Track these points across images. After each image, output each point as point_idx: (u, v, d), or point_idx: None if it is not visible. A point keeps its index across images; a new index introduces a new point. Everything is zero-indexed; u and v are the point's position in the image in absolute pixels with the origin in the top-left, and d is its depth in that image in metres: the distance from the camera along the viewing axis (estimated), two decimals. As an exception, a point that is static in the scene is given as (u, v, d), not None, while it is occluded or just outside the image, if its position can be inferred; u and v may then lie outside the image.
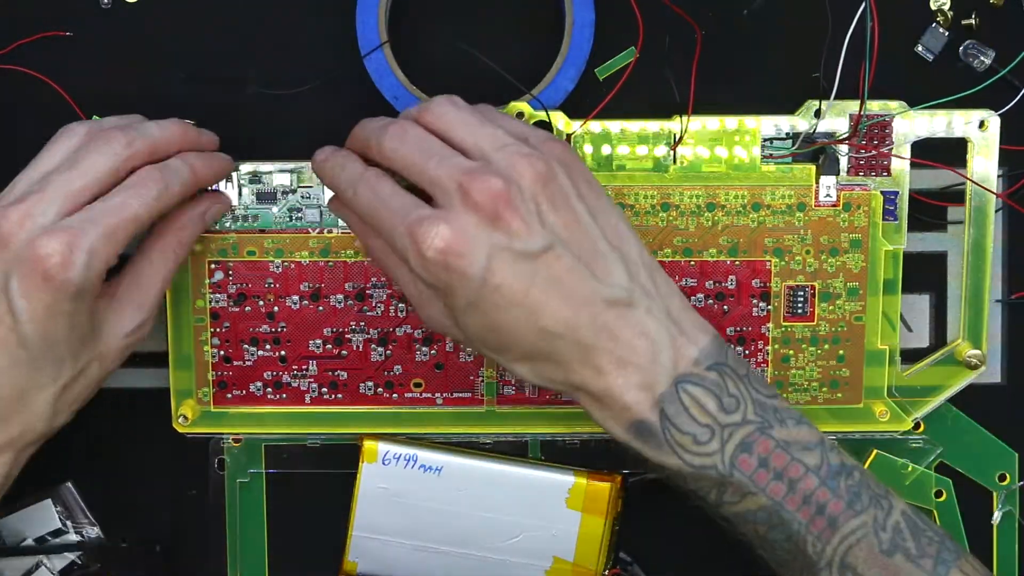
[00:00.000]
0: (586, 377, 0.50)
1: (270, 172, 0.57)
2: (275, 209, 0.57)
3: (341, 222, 0.57)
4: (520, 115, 0.57)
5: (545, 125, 0.57)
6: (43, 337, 0.50)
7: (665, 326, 0.50)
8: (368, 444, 0.59)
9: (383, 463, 0.59)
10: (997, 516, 0.61)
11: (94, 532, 0.61)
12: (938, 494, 0.60)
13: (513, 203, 0.48)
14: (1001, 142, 0.57)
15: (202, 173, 0.55)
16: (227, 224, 0.57)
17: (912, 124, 0.57)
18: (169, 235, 0.55)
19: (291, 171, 0.57)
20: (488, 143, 0.50)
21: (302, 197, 0.57)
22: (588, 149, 0.57)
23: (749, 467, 0.50)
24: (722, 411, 0.50)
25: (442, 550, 0.59)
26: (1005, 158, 0.58)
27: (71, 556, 0.61)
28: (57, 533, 0.61)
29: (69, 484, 0.61)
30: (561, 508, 0.59)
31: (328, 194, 0.57)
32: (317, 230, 0.57)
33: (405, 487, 0.59)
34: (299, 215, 0.57)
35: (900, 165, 0.57)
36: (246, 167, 0.57)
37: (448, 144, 0.51)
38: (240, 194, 0.57)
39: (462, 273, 0.48)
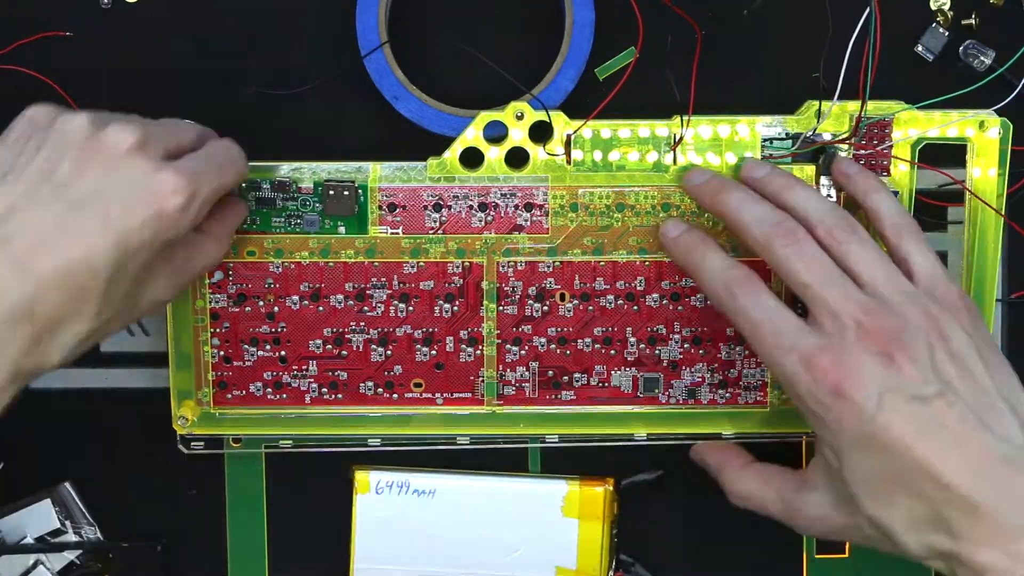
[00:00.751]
0: (972, 547, 0.47)
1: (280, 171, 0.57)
2: (275, 218, 0.57)
3: (342, 228, 0.57)
4: (520, 116, 0.57)
5: (545, 125, 0.57)
6: (117, 269, 0.47)
7: None
8: (360, 475, 0.59)
9: (376, 492, 0.59)
10: None
11: (93, 533, 0.61)
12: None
13: (908, 346, 0.48)
14: (1002, 143, 0.57)
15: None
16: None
17: (912, 124, 0.57)
18: (227, 213, 0.54)
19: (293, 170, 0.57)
20: (889, 289, 0.50)
21: (302, 204, 0.57)
22: (589, 150, 0.57)
23: None
24: None
25: (445, 573, 0.59)
26: (1005, 158, 0.58)
27: (70, 556, 0.61)
28: (56, 533, 0.61)
29: (68, 484, 0.61)
30: (558, 517, 0.59)
31: (328, 204, 0.57)
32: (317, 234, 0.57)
33: (401, 514, 0.59)
34: (299, 222, 0.57)
35: (903, 166, 0.57)
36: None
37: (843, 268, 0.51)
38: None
39: (853, 404, 0.48)
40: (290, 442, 0.59)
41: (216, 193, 0.51)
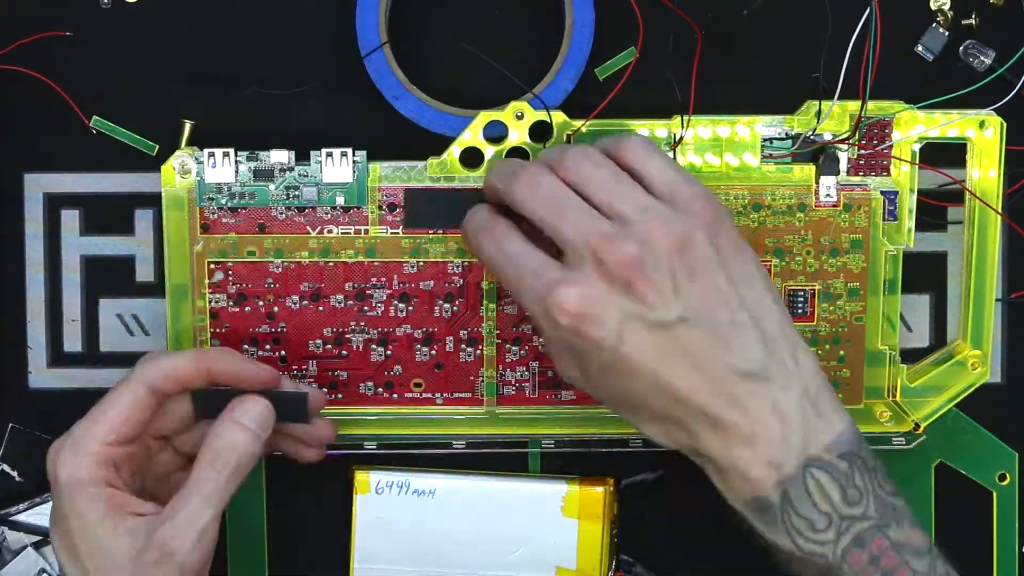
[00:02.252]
0: (713, 447, 0.49)
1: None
2: (272, 187, 0.57)
3: (340, 198, 0.57)
4: (520, 116, 0.57)
5: (545, 125, 0.57)
6: (86, 547, 0.51)
7: (800, 406, 0.49)
8: (360, 475, 0.59)
9: (376, 492, 0.59)
10: None
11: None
12: (1002, 477, 0.61)
13: (647, 271, 0.48)
14: (1003, 143, 0.57)
15: (221, 367, 0.54)
16: (223, 201, 0.57)
17: (912, 124, 0.57)
18: (207, 453, 0.53)
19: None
20: (627, 205, 0.49)
21: (299, 175, 0.57)
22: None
23: (859, 563, 0.49)
24: (844, 502, 0.49)
25: (445, 573, 0.59)
26: (1006, 158, 0.58)
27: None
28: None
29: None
30: (558, 517, 0.59)
31: (326, 173, 0.56)
32: (312, 214, 0.57)
33: (401, 514, 0.59)
34: (296, 193, 0.57)
35: (903, 166, 0.57)
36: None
37: (584, 198, 0.50)
38: (237, 171, 0.57)
39: (593, 340, 0.48)
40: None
41: None
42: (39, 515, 0.60)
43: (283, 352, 0.58)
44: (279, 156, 0.56)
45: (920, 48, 0.59)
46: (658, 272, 0.48)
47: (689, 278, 0.49)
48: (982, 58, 0.59)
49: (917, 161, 0.57)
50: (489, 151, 0.57)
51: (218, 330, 0.58)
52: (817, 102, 0.57)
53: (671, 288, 0.48)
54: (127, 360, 0.60)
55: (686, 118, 0.57)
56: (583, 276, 0.48)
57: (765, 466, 0.49)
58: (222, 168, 0.56)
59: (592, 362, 0.49)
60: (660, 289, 0.48)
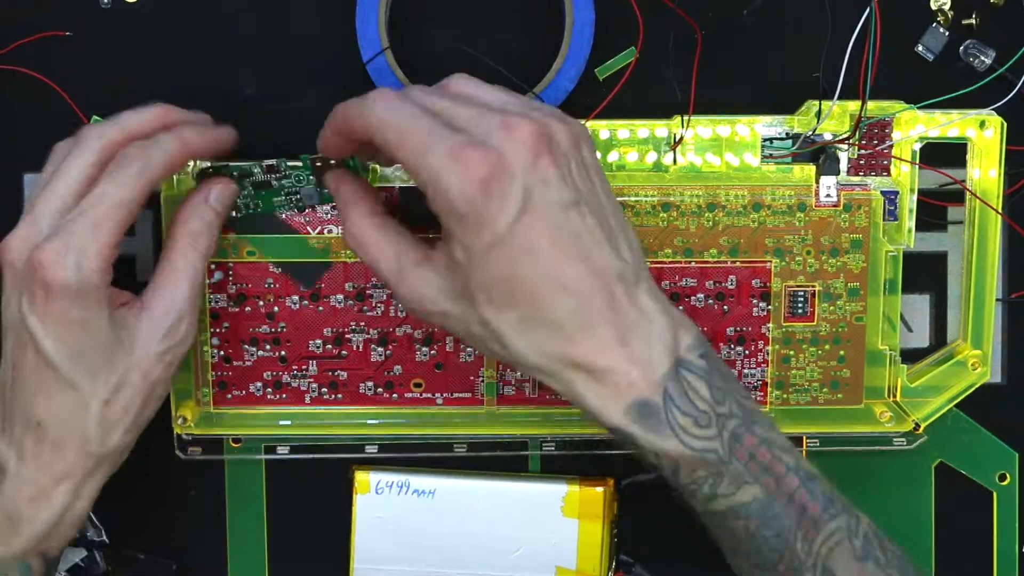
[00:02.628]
0: (588, 350, 0.48)
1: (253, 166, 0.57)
2: (274, 199, 0.57)
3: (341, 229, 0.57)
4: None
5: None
6: (65, 351, 0.51)
7: (663, 309, 0.49)
8: (360, 476, 0.59)
9: (376, 492, 0.59)
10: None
11: (97, 535, 0.61)
12: (1002, 477, 0.61)
13: (552, 149, 0.48)
14: (1003, 143, 0.57)
15: (194, 142, 0.54)
16: (232, 213, 0.57)
17: (912, 124, 0.57)
18: (178, 230, 0.54)
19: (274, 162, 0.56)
20: (519, 105, 0.50)
21: (296, 180, 0.57)
22: (588, 149, 0.57)
23: (743, 457, 0.49)
24: (714, 400, 0.49)
25: (445, 573, 0.59)
26: (1006, 158, 0.58)
27: (74, 558, 0.61)
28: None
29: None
30: (557, 517, 0.59)
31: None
32: (312, 214, 0.57)
33: (401, 514, 0.59)
34: (297, 197, 0.57)
35: (903, 166, 0.57)
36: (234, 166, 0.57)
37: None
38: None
39: (500, 200, 0.47)
40: (287, 447, 0.59)
41: (99, 222, 0.51)
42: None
43: (283, 352, 0.58)
44: (272, 168, 0.56)
45: (920, 48, 0.59)
46: (560, 153, 0.48)
47: (579, 172, 0.49)
48: (982, 58, 0.59)
49: (917, 161, 0.57)
50: (489, 151, 0.57)
51: (218, 330, 0.58)
52: (817, 102, 0.57)
53: (571, 172, 0.48)
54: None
55: (686, 118, 0.57)
56: (495, 142, 0.48)
57: (644, 365, 0.48)
58: (228, 181, 0.56)
59: (486, 234, 0.47)
60: (561, 169, 0.48)
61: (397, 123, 0.49)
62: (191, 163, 0.56)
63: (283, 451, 0.60)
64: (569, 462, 0.60)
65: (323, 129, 0.53)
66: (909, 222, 0.58)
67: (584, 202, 0.48)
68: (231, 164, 0.56)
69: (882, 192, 0.57)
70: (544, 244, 0.47)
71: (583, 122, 0.56)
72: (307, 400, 0.59)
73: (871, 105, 0.57)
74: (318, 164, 0.55)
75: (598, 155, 0.51)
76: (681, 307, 0.58)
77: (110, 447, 0.52)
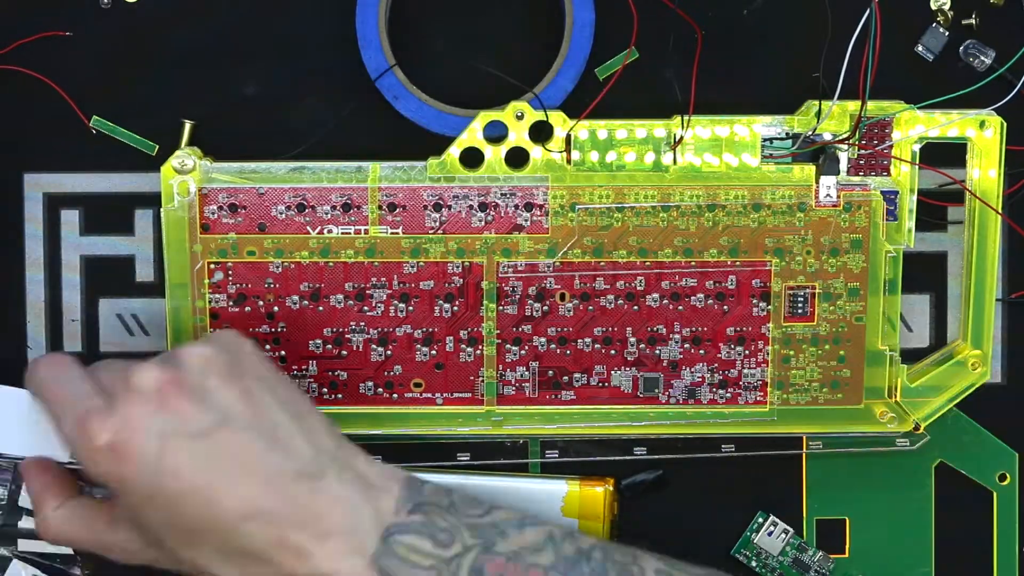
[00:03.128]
0: (292, 564, 0.47)
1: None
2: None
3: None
4: (520, 116, 0.57)
5: (545, 125, 0.57)
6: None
7: (357, 487, 0.48)
8: None
9: None
10: None
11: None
12: (1002, 477, 0.61)
13: (180, 384, 0.47)
14: (1003, 143, 0.57)
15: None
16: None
17: (912, 124, 0.57)
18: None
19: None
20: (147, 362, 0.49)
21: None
22: (587, 150, 0.57)
23: None
24: (440, 547, 0.47)
25: None
26: (1006, 158, 0.58)
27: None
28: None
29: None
30: (557, 517, 0.59)
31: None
32: (312, 214, 0.57)
33: None
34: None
35: (903, 166, 0.57)
36: (233, 165, 0.57)
37: None
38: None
39: (134, 461, 0.47)
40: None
41: None
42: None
43: (283, 352, 0.58)
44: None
45: (920, 48, 0.59)
46: (191, 384, 0.48)
47: (224, 384, 0.48)
48: (982, 58, 0.59)
49: (917, 161, 0.57)
50: (489, 151, 0.57)
51: (218, 330, 0.58)
52: (817, 102, 0.57)
53: (206, 397, 0.48)
54: (128, 357, 0.60)
55: (686, 118, 0.57)
56: (118, 402, 0.47)
57: (350, 556, 0.47)
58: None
59: (136, 492, 0.47)
60: (194, 399, 0.47)
61: (41, 387, 0.50)
62: (191, 182, 0.56)
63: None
64: (569, 462, 0.60)
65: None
66: (909, 222, 0.57)
67: (231, 419, 0.48)
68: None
69: (882, 192, 0.57)
70: (197, 479, 0.47)
71: (578, 121, 0.56)
72: (307, 400, 0.59)
73: (871, 105, 0.57)
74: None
75: (252, 349, 0.51)
76: (682, 307, 0.58)
77: None
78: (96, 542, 0.52)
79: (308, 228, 0.58)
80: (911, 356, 0.60)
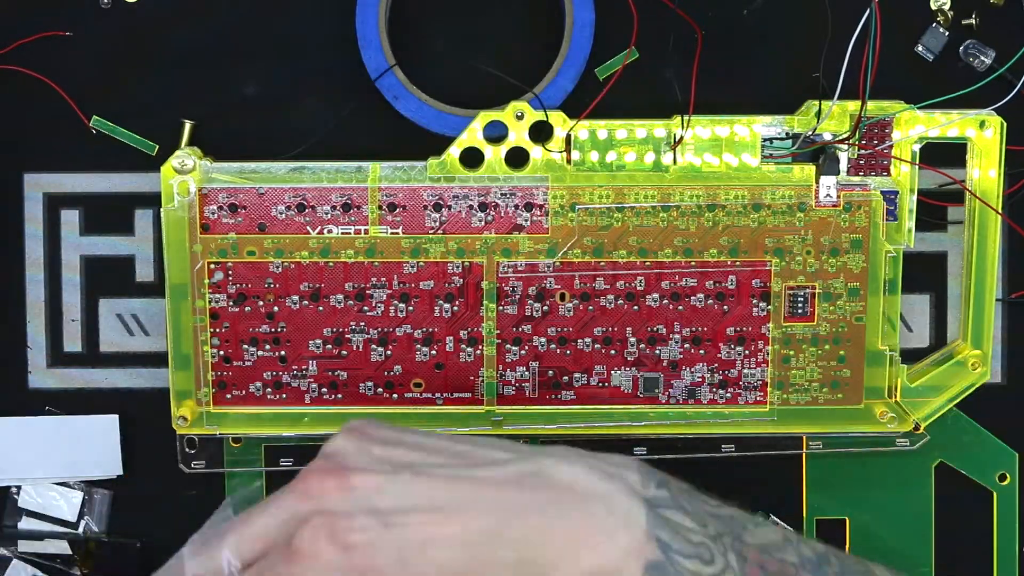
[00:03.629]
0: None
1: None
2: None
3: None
4: (520, 116, 0.57)
5: (545, 125, 0.57)
6: None
7: (585, 465, 0.46)
8: None
9: None
10: None
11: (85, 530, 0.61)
12: (1002, 477, 0.61)
13: (325, 529, 0.45)
14: (1003, 143, 0.57)
15: None
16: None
17: (912, 124, 0.57)
18: None
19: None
20: None
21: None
22: (587, 150, 0.57)
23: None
24: (700, 526, 0.45)
25: None
26: (1006, 158, 0.58)
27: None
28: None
29: (68, 485, 0.61)
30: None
31: None
32: (312, 214, 0.57)
33: None
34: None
35: (903, 166, 0.57)
36: (233, 165, 0.57)
37: None
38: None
39: None
40: (290, 442, 0.59)
41: None
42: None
43: (283, 352, 0.58)
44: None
45: (920, 48, 0.59)
46: (336, 526, 0.45)
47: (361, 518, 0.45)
48: (982, 58, 0.59)
49: (917, 161, 0.57)
50: (489, 151, 0.57)
51: (218, 330, 0.58)
52: (817, 102, 0.57)
53: (349, 534, 0.45)
54: (127, 360, 0.60)
55: (686, 118, 0.57)
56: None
57: (624, 527, 0.44)
58: None
59: None
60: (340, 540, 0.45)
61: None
62: (191, 182, 0.56)
63: (286, 463, 0.60)
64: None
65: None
66: (909, 222, 0.57)
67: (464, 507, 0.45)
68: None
69: (882, 192, 0.57)
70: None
71: (578, 121, 0.57)
72: (307, 400, 0.59)
73: (871, 105, 0.57)
74: None
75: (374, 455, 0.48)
76: (681, 307, 0.58)
77: None
78: None
79: (308, 228, 0.58)
80: (911, 356, 0.60)
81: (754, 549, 0.46)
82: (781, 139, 0.57)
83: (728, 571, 0.45)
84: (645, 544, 0.44)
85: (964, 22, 0.59)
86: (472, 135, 0.57)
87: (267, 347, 0.58)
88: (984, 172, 0.57)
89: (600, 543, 0.44)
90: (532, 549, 0.44)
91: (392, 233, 0.57)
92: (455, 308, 0.58)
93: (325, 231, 0.57)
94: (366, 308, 0.58)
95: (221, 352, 0.58)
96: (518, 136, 0.57)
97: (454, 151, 0.57)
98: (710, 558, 0.45)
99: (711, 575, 0.44)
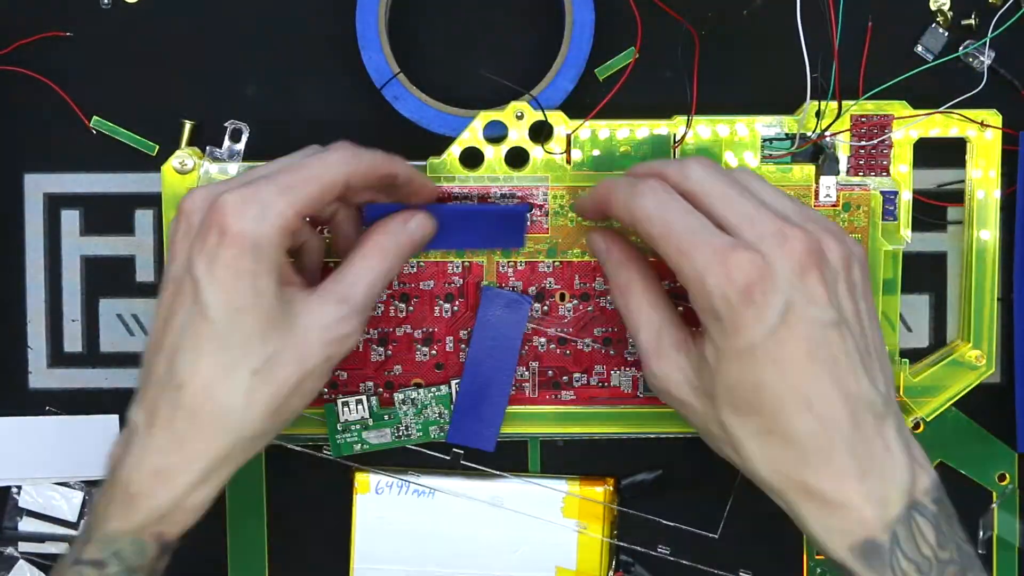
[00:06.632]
0: (824, 478, 0.47)
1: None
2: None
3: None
4: (520, 116, 0.57)
5: (545, 124, 0.57)
6: (225, 303, 0.47)
7: (905, 447, 0.48)
8: (360, 475, 0.59)
9: (376, 492, 0.59)
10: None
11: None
12: (1001, 477, 0.61)
13: (822, 266, 0.47)
14: (1002, 142, 0.57)
15: (403, 170, 0.52)
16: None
17: (912, 124, 0.57)
18: (377, 235, 0.52)
19: None
20: (797, 214, 0.49)
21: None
22: (588, 150, 0.57)
23: None
24: (939, 547, 0.47)
25: (445, 573, 0.59)
26: (1006, 158, 0.58)
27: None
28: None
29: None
30: (558, 517, 0.59)
31: None
32: (317, 229, 0.57)
33: (401, 514, 0.59)
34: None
35: (902, 166, 0.57)
36: (235, 167, 0.57)
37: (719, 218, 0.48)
38: None
39: (760, 309, 0.46)
40: (290, 442, 0.59)
41: (291, 185, 0.48)
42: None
43: (283, 352, 0.58)
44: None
45: (920, 48, 0.59)
46: (828, 271, 0.48)
47: (848, 294, 0.48)
48: (982, 58, 0.59)
49: (916, 161, 0.57)
50: (489, 151, 0.57)
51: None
52: (817, 102, 0.57)
53: (837, 292, 0.48)
54: (127, 360, 0.60)
55: (689, 118, 0.57)
56: (764, 247, 0.47)
57: (879, 505, 0.47)
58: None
59: (741, 339, 0.47)
60: (828, 288, 0.47)
61: (664, 220, 0.48)
62: (201, 159, 0.56)
63: (295, 447, 0.60)
64: (569, 461, 0.60)
65: (585, 197, 0.53)
66: (908, 222, 0.58)
67: (846, 325, 0.48)
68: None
69: (881, 192, 0.57)
70: (796, 359, 0.47)
71: (583, 123, 0.57)
72: (307, 400, 0.59)
73: (871, 105, 0.57)
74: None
75: (867, 269, 0.50)
76: (681, 307, 0.58)
77: (248, 428, 0.48)
78: (655, 342, 0.51)
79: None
80: (911, 356, 0.60)
81: None
82: (781, 139, 0.57)
83: None
84: (885, 526, 0.47)
85: (964, 22, 0.59)
86: (472, 135, 0.57)
87: (267, 347, 0.58)
88: (984, 172, 0.57)
89: (859, 493, 0.47)
90: None
91: (392, 233, 0.57)
92: (455, 308, 0.58)
93: (325, 231, 0.57)
94: (366, 308, 0.58)
95: (221, 352, 0.58)
96: (518, 136, 0.57)
97: (454, 151, 0.57)
98: (927, 571, 0.47)
99: None
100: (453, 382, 0.58)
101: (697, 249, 0.47)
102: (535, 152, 0.57)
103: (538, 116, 0.57)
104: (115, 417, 0.60)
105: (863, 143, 0.57)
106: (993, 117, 0.57)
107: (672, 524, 0.61)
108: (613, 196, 0.51)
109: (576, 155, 0.57)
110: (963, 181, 0.58)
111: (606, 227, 0.56)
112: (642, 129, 0.57)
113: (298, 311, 0.49)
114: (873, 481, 0.47)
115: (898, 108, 0.57)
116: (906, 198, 0.57)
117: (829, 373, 0.47)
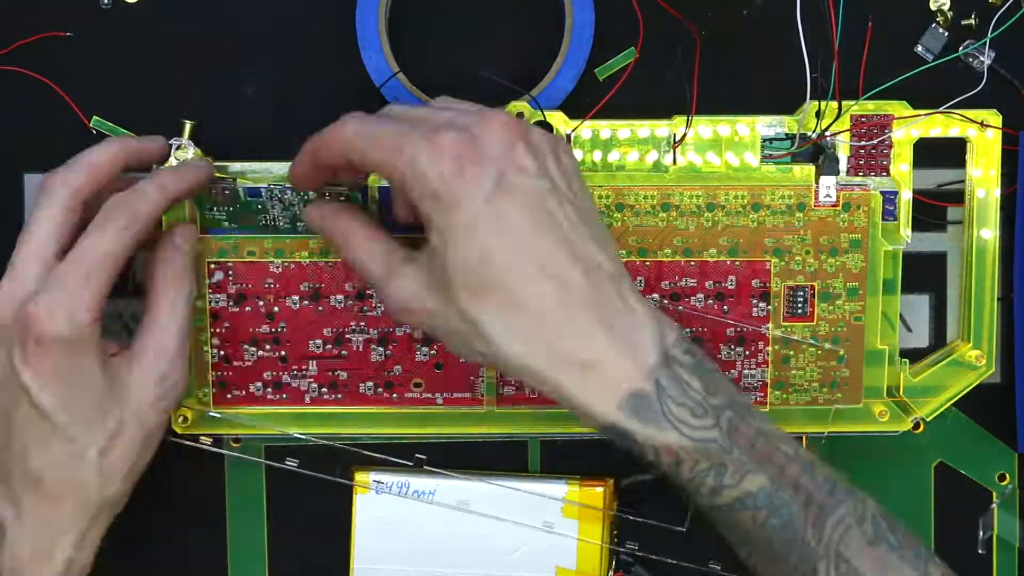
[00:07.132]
0: (574, 341, 0.48)
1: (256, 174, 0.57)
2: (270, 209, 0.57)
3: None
4: (520, 115, 0.57)
5: (544, 125, 0.57)
6: (60, 402, 0.51)
7: (645, 304, 0.49)
8: (360, 476, 0.59)
9: (376, 493, 0.59)
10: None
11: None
12: (1001, 477, 0.61)
13: (529, 139, 0.49)
14: (1002, 142, 0.57)
15: (174, 186, 0.54)
16: (225, 223, 0.57)
17: (912, 124, 0.57)
18: (156, 278, 0.54)
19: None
20: (497, 110, 0.50)
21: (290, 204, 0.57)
22: (589, 150, 0.57)
23: (744, 445, 0.48)
24: (706, 392, 0.48)
25: (444, 573, 0.59)
26: (1006, 158, 0.58)
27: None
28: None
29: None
30: (557, 517, 0.59)
31: None
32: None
33: (401, 514, 0.59)
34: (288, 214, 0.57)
35: (902, 166, 0.57)
36: (236, 166, 0.57)
37: None
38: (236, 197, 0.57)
39: (473, 180, 0.47)
40: (290, 442, 0.59)
41: (88, 274, 0.51)
42: None
43: (283, 352, 0.58)
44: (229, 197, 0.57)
45: (920, 48, 0.59)
46: (535, 143, 0.49)
47: (561, 173, 0.49)
48: (982, 58, 0.59)
49: (916, 161, 0.57)
50: (489, 151, 0.57)
51: (218, 330, 0.58)
52: (817, 102, 0.57)
53: (547, 167, 0.49)
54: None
55: (688, 118, 0.57)
56: (471, 127, 0.48)
57: (634, 355, 0.48)
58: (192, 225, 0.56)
59: (460, 215, 0.47)
60: (539, 161, 0.48)
61: (369, 132, 0.49)
62: (202, 159, 0.56)
63: (292, 463, 0.60)
64: (569, 461, 0.60)
65: (293, 164, 0.53)
66: (908, 222, 0.58)
67: (562, 195, 0.48)
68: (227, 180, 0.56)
69: (881, 192, 0.58)
70: (519, 225, 0.47)
71: (582, 123, 0.57)
72: (307, 400, 0.59)
73: (871, 105, 0.57)
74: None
75: (579, 165, 0.52)
76: (682, 307, 0.58)
77: (109, 496, 0.53)
78: (384, 269, 0.51)
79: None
80: (911, 356, 0.60)
81: (752, 429, 0.49)
82: (781, 139, 0.57)
83: (715, 428, 0.48)
84: (645, 374, 0.47)
85: (964, 22, 0.59)
86: (472, 135, 0.57)
87: (267, 347, 0.58)
88: (984, 172, 0.57)
89: (612, 347, 0.47)
90: None
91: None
92: (455, 308, 0.58)
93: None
94: (366, 308, 0.58)
95: (221, 352, 0.58)
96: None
97: (454, 151, 0.57)
98: (702, 414, 0.48)
99: (696, 426, 0.48)
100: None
101: (405, 139, 0.48)
102: (535, 152, 0.57)
103: (538, 116, 0.57)
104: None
105: (863, 143, 0.57)
106: (993, 117, 0.57)
107: (672, 524, 0.61)
108: (318, 140, 0.51)
109: (577, 155, 0.57)
110: (963, 181, 0.58)
111: (320, 200, 0.56)
112: (643, 129, 0.57)
113: (124, 379, 0.53)
114: (623, 334, 0.48)
115: (898, 108, 0.57)
116: (906, 198, 0.58)
117: (554, 236, 0.48)
